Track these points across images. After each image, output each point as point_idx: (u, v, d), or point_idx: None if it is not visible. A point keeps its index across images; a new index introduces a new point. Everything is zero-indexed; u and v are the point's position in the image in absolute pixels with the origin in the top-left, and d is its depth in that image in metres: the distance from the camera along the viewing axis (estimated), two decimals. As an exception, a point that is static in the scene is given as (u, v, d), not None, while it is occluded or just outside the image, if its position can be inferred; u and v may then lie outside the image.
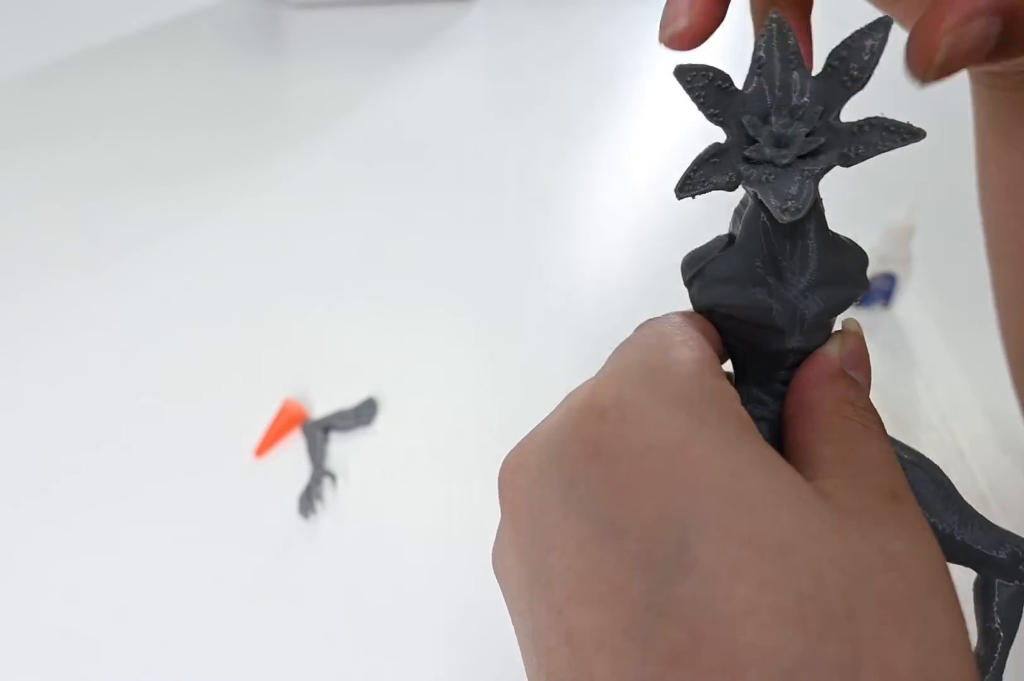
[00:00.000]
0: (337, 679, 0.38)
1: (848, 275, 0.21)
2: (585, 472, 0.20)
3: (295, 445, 0.47)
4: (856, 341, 0.25)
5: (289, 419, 0.48)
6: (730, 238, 0.22)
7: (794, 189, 0.20)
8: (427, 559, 0.42)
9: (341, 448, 0.47)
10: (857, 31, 0.20)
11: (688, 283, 0.23)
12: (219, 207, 0.63)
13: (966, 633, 0.20)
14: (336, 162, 0.67)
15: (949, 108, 0.70)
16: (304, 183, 0.65)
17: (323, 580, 0.41)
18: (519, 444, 0.23)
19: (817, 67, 0.20)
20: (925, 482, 0.23)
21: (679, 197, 0.21)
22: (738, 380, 0.24)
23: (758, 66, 0.20)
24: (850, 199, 0.62)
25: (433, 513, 0.44)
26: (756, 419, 0.21)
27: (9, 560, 0.42)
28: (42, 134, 0.70)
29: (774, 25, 0.20)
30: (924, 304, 0.53)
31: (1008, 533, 0.23)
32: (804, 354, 0.22)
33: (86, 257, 0.59)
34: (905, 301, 0.52)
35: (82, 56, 0.79)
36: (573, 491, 0.20)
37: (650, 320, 0.23)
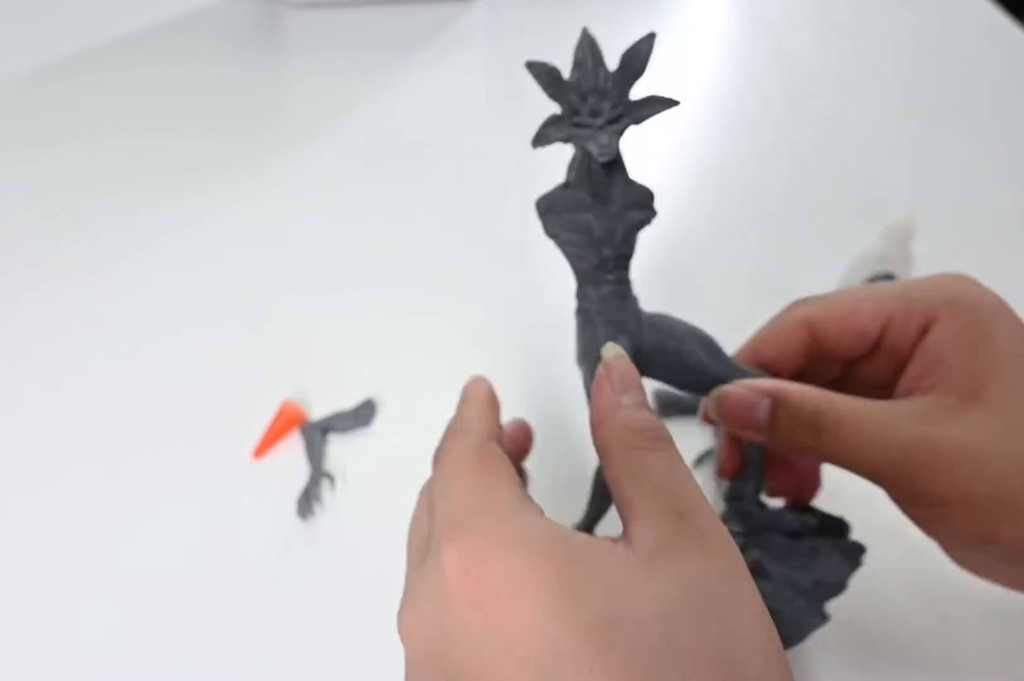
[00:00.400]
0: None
1: (644, 204, 0.32)
2: (474, 615, 0.24)
3: (294, 446, 0.47)
4: (618, 363, 0.29)
5: (288, 420, 0.48)
6: (566, 182, 0.32)
7: (606, 141, 0.30)
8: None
9: (340, 449, 0.47)
10: (636, 41, 0.30)
11: (541, 217, 0.33)
12: (218, 207, 0.63)
13: (765, 612, 0.23)
14: (336, 162, 0.67)
15: (951, 106, 0.70)
16: (304, 183, 0.65)
17: (322, 581, 0.41)
18: (405, 604, 0.29)
19: (613, 66, 0.30)
20: (695, 341, 0.33)
21: (534, 146, 0.31)
22: (578, 284, 0.34)
23: (578, 64, 0.30)
24: (850, 199, 0.63)
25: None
26: (579, 312, 0.34)
27: (4, 562, 0.42)
28: (40, 134, 0.70)
29: (587, 39, 0.31)
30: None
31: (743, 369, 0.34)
32: (620, 261, 0.32)
33: (84, 257, 0.59)
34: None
35: (81, 56, 0.79)
36: (466, 633, 0.24)
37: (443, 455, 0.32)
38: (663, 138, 0.70)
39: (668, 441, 0.27)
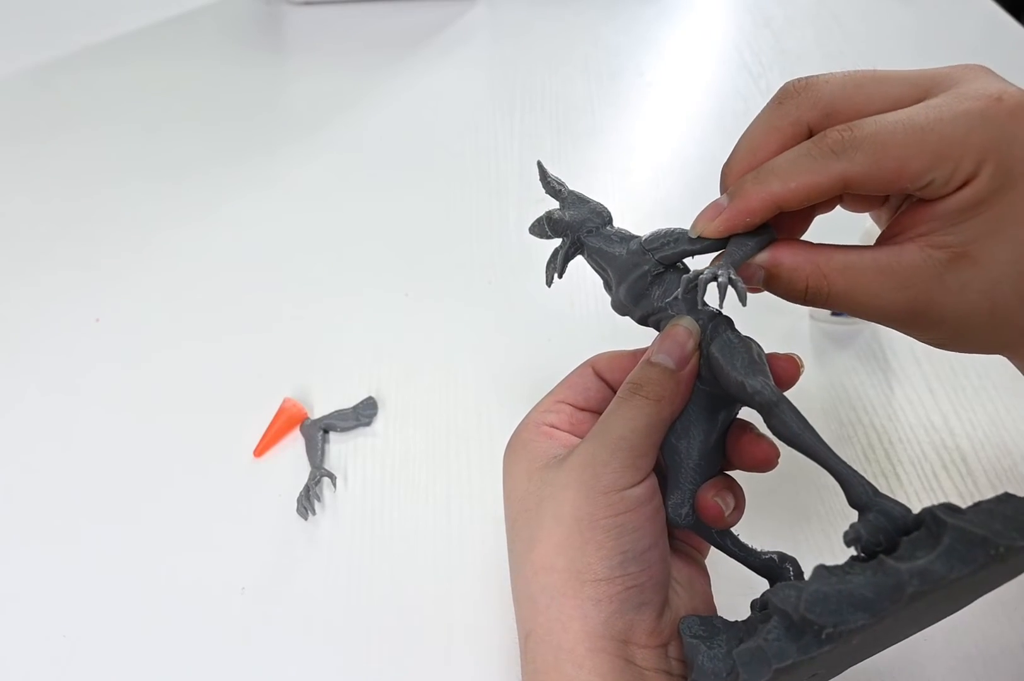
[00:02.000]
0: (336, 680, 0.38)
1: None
2: None
3: (295, 445, 0.48)
4: (675, 330, 0.33)
5: (288, 419, 0.48)
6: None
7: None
8: (427, 559, 0.43)
9: (340, 449, 0.48)
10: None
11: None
12: (218, 204, 0.63)
13: None
14: (336, 160, 0.67)
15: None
16: (304, 180, 0.65)
17: (322, 580, 0.42)
18: (523, 425, 0.36)
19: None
20: (742, 353, 0.32)
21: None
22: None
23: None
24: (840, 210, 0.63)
25: (433, 514, 0.44)
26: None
27: (6, 561, 0.43)
28: (39, 130, 0.70)
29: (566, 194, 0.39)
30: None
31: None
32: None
33: (84, 252, 0.59)
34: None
35: (83, 53, 0.79)
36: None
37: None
38: (665, 138, 0.70)
39: (640, 394, 0.32)
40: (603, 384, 0.37)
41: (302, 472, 0.46)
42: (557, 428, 0.35)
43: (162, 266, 0.58)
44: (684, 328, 0.33)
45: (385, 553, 0.43)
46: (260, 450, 0.47)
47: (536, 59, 0.79)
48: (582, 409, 0.36)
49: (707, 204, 0.35)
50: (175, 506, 0.45)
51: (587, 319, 0.54)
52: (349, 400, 0.50)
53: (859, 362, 0.51)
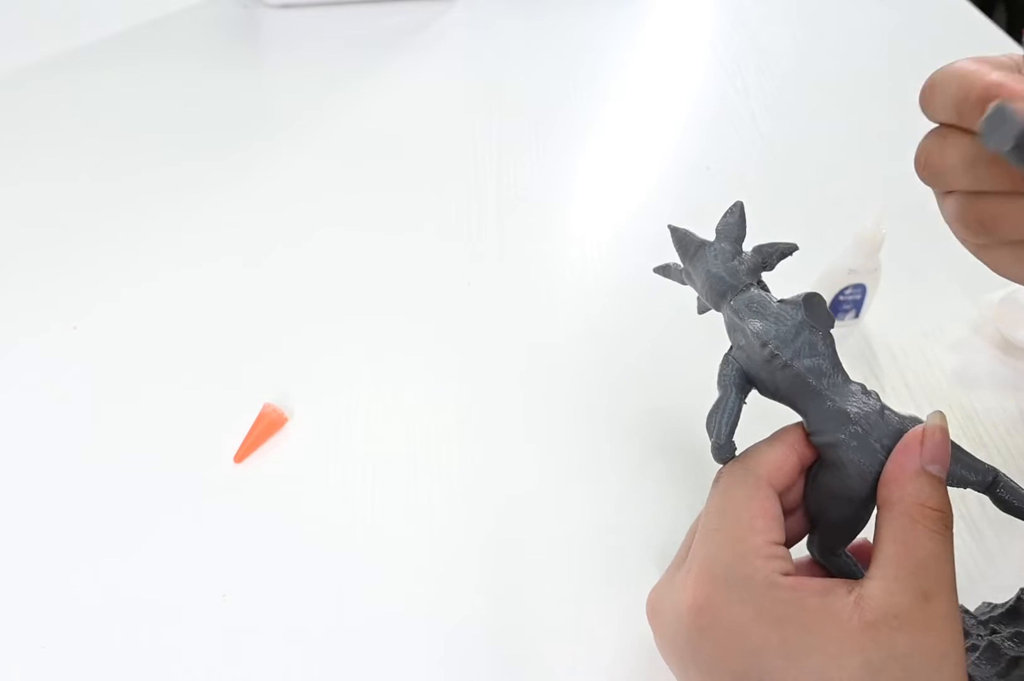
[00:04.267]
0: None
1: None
2: (699, 642, 0.31)
3: (274, 450, 0.47)
4: (940, 435, 0.31)
5: (268, 424, 0.48)
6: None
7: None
8: (412, 565, 0.43)
9: (320, 453, 0.47)
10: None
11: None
12: (197, 209, 0.63)
13: None
14: (314, 162, 0.67)
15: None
16: (283, 183, 0.65)
17: (307, 584, 0.42)
18: (656, 592, 0.34)
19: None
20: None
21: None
22: None
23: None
24: (829, 196, 0.63)
25: (415, 518, 0.45)
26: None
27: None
28: (13, 135, 0.70)
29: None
30: (893, 314, 0.54)
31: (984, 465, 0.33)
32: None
33: (58, 262, 0.59)
34: (874, 311, 0.53)
35: (57, 58, 0.78)
36: (691, 648, 0.31)
37: (728, 481, 0.33)
38: (642, 137, 0.70)
39: (948, 527, 0.30)
40: (779, 501, 0.33)
41: (282, 477, 0.46)
42: (792, 574, 0.31)
43: (140, 271, 0.58)
44: (946, 428, 0.32)
45: (369, 559, 0.43)
46: (240, 456, 0.47)
47: (513, 59, 0.79)
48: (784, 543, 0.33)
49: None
50: (154, 512, 0.45)
51: (568, 320, 0.55)
52: (328, 404, 0.49)
53: (846, 362, 0.51)
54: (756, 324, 0.33)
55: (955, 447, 0.32)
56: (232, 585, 0.42)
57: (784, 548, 0.32)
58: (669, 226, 0.37)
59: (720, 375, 0.35)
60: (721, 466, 0.35)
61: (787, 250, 0.36)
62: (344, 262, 0.59)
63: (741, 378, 0.35)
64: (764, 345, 0.33)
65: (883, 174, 0.65)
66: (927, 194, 0.33)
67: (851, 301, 0.51)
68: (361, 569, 0.42)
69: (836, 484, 0.33)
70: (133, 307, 0.55)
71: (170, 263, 0.58)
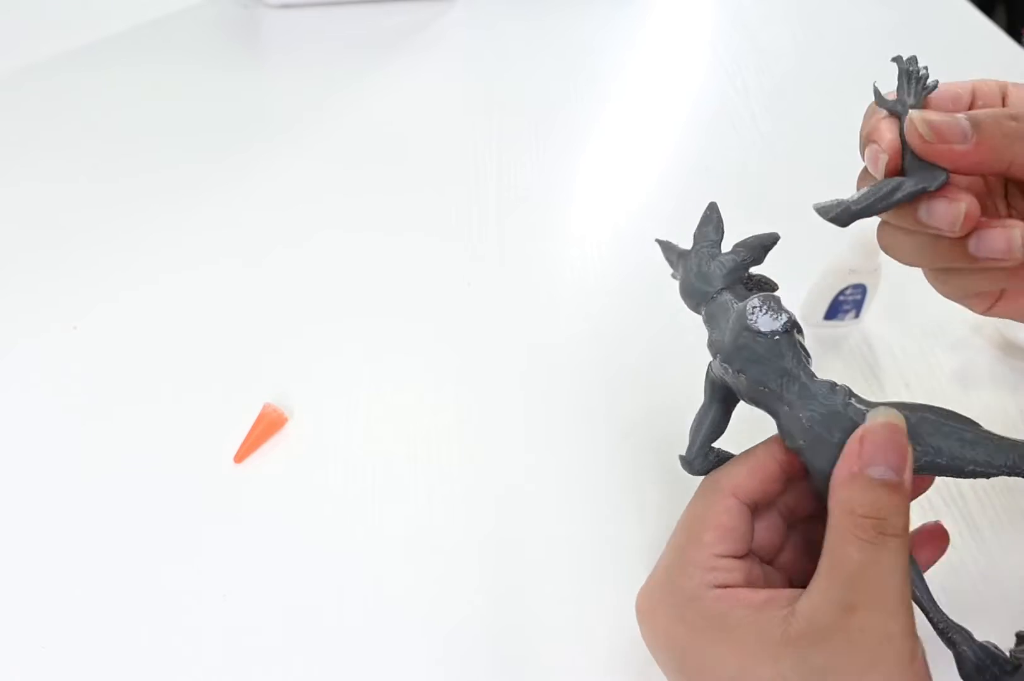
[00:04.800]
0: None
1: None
2: (648, 641, 0.33)
3: (274, 450, 0.47)
4: (883, 434, 0.29)
5: (268, 424, 0.48)
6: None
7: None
8: (412, 564, 0.43)
9: (320, 453, 0.47)
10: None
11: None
12: (197, 209, 0.63)
13: None
14: (314, 162, 0.67)
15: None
16: (282, 183, 0.65)
17: (307, 584, 0.42)
18: (644, 591, 0.34)
19: None
20: (936, 424, 0.31)
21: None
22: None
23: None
24: (828, 197, 0.63)
25: (415, 518, 0.45)
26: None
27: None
28: (13, 136, 0.70)
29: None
30: (893, 314, 0.54)
31: (1011, 442, 0.31)
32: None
33: (61, 261, 0.59)
34: (874, 311, 0.53)
35: (57, 58, 0.78)
36: (648, 647, 0.33)
37: (696, 494, 0.34)
38: (642, 137, 0.70)
39: (889, 533, 0.28)
40: (748, 512, 0.33)
41: (282, 477, 0.46)
42: (732, 586, 0.31)
43: (140, 272, 0.58)
44: (894, 425, 0.30)
45: (369, 559, 0.43)
46: (240, 456, 0.47)
47: (513, 60, 0.79)
48: (742, 557, 0.32)
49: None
50: (155, 512, 0.45)
51: (568, 320, 0.55)
52: (328, 404, 0.49)
53: (843, 364, 0.51)
54: (713, 334, 0.34)
55: (975, 431, 0.31)
56: (232, 585, 0.42)
57: (734, 560, 0.31)
58: (656, 240, 0.38)
59: (705, 386, 0.36)
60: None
61: (768, 242, 0.35)
62: (344, 262, 0.59)
63: (719, 389, 0.35)
64: (715, 356, 0.33)
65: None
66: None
67: (851, 301, 0.51)
68: (361, 569, 0.42)
69: (812, 487, 0.32)
70: (133, 307, 0.55)
71: (170, 264, 0.58)
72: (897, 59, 0.34)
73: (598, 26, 0.83)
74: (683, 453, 0.36)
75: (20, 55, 0.77)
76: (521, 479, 0.46)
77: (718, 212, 0.36)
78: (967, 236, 0.30)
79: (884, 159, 0.31)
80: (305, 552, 0.43)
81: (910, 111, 0.31)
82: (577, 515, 0.45)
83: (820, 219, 0.33)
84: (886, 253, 0.34)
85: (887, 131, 0.32)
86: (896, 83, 0.33)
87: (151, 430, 0.48)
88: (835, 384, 0.32)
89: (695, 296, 0.35)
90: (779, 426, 0.33)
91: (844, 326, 0.53)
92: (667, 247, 0.38)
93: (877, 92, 0.33)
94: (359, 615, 0.41)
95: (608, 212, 0.63)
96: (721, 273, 0.35)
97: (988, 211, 0.35)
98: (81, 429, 0.48)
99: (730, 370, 0.33)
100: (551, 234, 0.61)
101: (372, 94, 0.74)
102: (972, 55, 0.81)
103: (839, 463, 0.30)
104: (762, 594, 0.30)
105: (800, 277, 0.51)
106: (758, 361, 0.32)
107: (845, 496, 0.29)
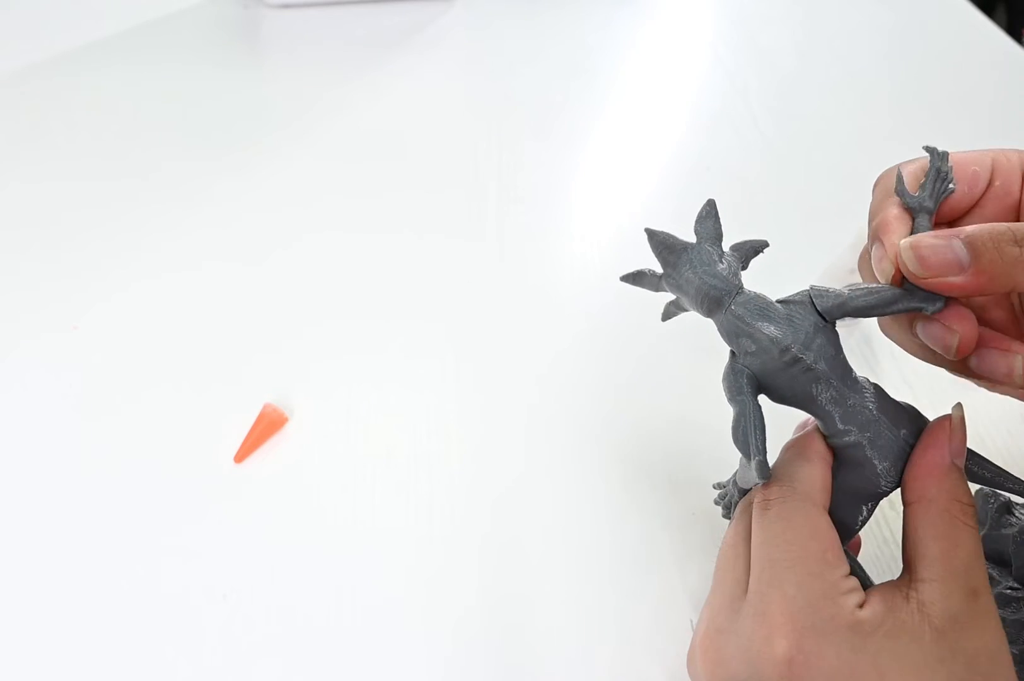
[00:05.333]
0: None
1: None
2: None
3: (275, 450, 0.47)
4: (963, 432, 0.31)
5: (268, 424, 0.48)
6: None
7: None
8: (413, 563, 0.43)
9: (320, 453, 0.47)
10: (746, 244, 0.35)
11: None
12: (197, 209, 0.63)
13: None
14: (315, 162, 0.67)
15: (928, 103, 0.71)
16: (283, 183, 0.65)
17: (307, 584, 0.42)
18: (710, 640, 0.31)
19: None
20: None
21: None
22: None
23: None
24: (828, 197, 0.63)
25: (416, 518, 0.44)
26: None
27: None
28: (13, 136, 0.70)
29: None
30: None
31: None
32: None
33: (61, 260, 0.59)
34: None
35: (57, 58, 0.78)
36: None
37: (784, 508, 0.31)
38: (642, 137, 0.70)
39: (976, 521, 0.30)
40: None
41: (282, 477, 0.46)
42: (864, 601, 0.30)
43: (140, 271, 0.58)
44: (964, 421, 0.32)
45: (370, 559, 0.43)
46: (240, 456, 0.47)
47: (514, 59, 0.79)
48: None
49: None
50: (154, 512, 0.45)
51: (568, 319, 0.55)
52: (328, 404, 0.49)
53: (852, 361, 0.51)
54: (770, 328, 0.32)
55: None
56: (232, 585, 0.42)
57: (853, 577, 0.31)
58: (647, 230, 0.35)
59: (731, 387, 0.33)
60: (752, 489, 0.34)
61: (759, 247, 0.35)
62: (344, 262, 0.59)
63: (755, 386, 0.33)
64: (785, 350, 0.32)
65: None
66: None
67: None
68: (361, 569, 0.42)
69: (856, 484, 0.32)
70: (133, 307, 0.55)
71: (171, 263, 0.58)
72: (931, 151, 0.33)
73: (598, 26, 0.83)
74: (752, 459, 0.32)
75: (20, 55, 0.78)
76: (521, 479, 0.46)
77: (716, 208, 0.35)
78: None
79: (889, 271, 0.31)
80: (305, 552, 0.43)
81: (900, 241, 0.31)
82: (578, 515, 0.45)
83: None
84: (886, 336, 0.34)
85: (895, 232, 0.31)
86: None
87: (151, 430, 0.48)
88: (867, 377, 0.33)
89: (716, 293, 0.33)
90: (833, 421, 0.32)
91: (844, 326, 0.52)
92: (667, 238, 0.35)
93: (900, 179, 0.33)
94: (359, 615, 0.41)
95: (608, 212, 0.63)
96: (734, 271, 0.34)
97: (1002, 306, 0.35)
98: (81, 429, 0.48)
99: (805, 363, 0.32)
100: (551, 234, 0.61)
101: (372, 94, 0.74)
102: (972, 55, 0.81)
103: (933, 453, 0.31)
104: (878, 599, 0.30)
105: (800, 277, 0.51)
106: (831, 353, 0.32)
107: (949, 486, 0.30)
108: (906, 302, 0.31)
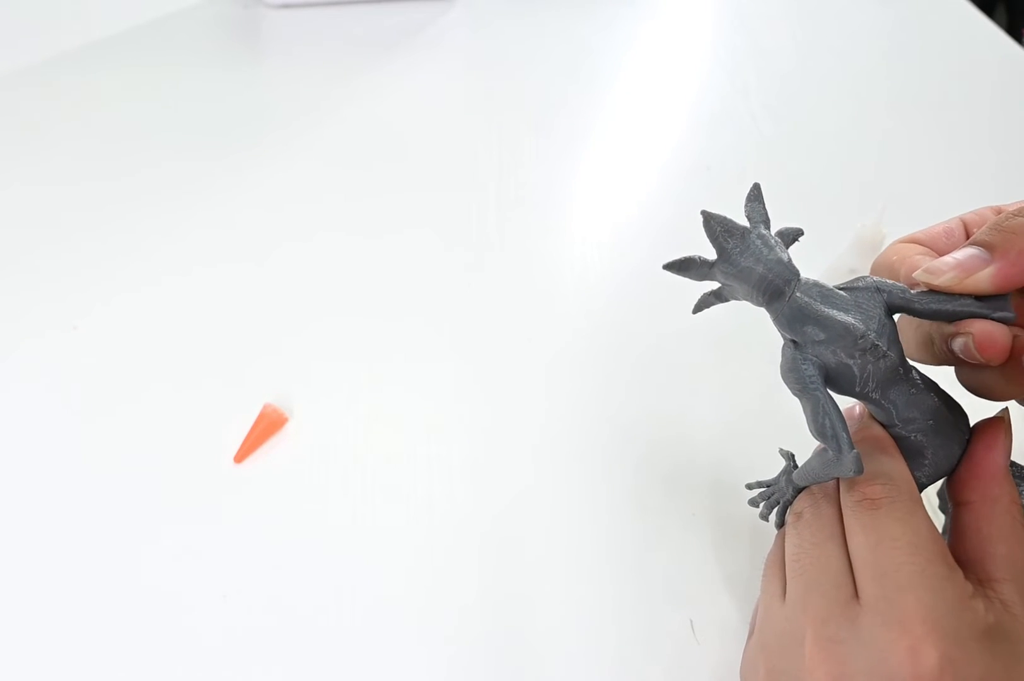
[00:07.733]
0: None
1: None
2: None
3: (275, 450, 0.47)
4: (1010, 438, 0.32)
5: (268, 425, 0.48)
6: None
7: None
8: (413, 564, 0.43)
9: (320, 453, 0.47)
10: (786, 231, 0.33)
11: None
12: (197, 209, 0.63)
13: None
14: (315, 163, 0.67)
15: (927, 103, 0.71)
16: (283, 185, 0.65)
17: (307, 584, 0.42)
18: (823, 651, 0.29)
19: None
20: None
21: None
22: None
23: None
24: (827, 196, 0.63)
25: (416, 518, 0.44)
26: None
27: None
28: (11, 136, 0.70)
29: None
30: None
31: None
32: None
33: (61, 260, 0.59)
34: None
35: (55, 59, 0.78)
36: None
37: (897, 509, 0.30)
38: (643, 137, 0.70)
39: None
40: None
41: (282, 478, 0.46)
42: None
43: (140, 271, 0.58)
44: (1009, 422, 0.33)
45: (370, 559, 0.43)
46: (240, 456, 0.47)
47: (514, 59, 0.79)
48: None
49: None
50: (154, 512, 0.45)
51: (568, 320, 0.55)
52: (328, 404, 0.49)
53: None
54: (845, 316, 0.30)
55: None
56: (232, 585, 0.42)
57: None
58: (703, 212, 0.32)
59: (799, 379, 0.31)
60: (806, 488, 0.34)
61: (797, 234, 0.33)
62: (344, 262, 0.59)
63: (824, 377, 0.32)
64: (862, 337, 0.30)
65: (883, 174, 0.65)
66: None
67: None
68: (361, 569, 0.42)
69: (922, 469, 0.33)
70: (133, 307, 0.55)
71: (171, 263, 0.58)
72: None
73: (598, 26, 0.83)
74: (844, 455, 0.31)
75: (20, 55, 0.78)
76: (522, 479, 0.46)
77: (761, 192, 0.33)
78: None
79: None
80: (305, 552, 0.43)
81: (914, 274, 0.32)
82: (579, 515, 0.44)
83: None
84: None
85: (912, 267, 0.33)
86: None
87: (151, 430, 0.48)
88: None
89: (778, 284, 0.31)
90: (899, 410, 0.32)
91: None
92: (725, 221, 0.32)
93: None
94: (359, 615, 0.41)
95: (608, 212, 0.63)
96: (790, 257, 0.32)
97: None
98: (81, 429, 0.48)
99: (881, 350, 0.31)
100: (551, 234, 0.61)
101: (372, 94, 0.75)
102: (972, 55, 0.81)
103: (992, 453, 0.32)
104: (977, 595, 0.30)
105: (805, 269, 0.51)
106: (898, 341, 0.32)
107: (1010, 486, 0.31)
108: (975, 308, 0.30)
